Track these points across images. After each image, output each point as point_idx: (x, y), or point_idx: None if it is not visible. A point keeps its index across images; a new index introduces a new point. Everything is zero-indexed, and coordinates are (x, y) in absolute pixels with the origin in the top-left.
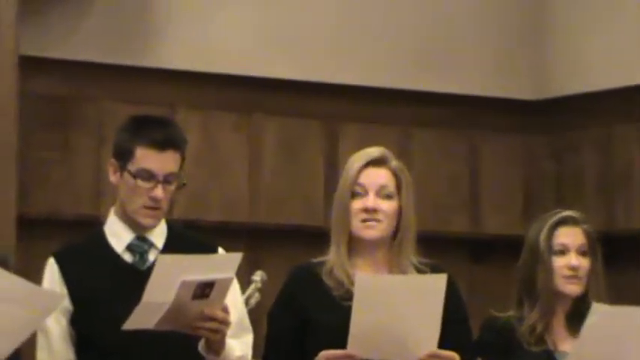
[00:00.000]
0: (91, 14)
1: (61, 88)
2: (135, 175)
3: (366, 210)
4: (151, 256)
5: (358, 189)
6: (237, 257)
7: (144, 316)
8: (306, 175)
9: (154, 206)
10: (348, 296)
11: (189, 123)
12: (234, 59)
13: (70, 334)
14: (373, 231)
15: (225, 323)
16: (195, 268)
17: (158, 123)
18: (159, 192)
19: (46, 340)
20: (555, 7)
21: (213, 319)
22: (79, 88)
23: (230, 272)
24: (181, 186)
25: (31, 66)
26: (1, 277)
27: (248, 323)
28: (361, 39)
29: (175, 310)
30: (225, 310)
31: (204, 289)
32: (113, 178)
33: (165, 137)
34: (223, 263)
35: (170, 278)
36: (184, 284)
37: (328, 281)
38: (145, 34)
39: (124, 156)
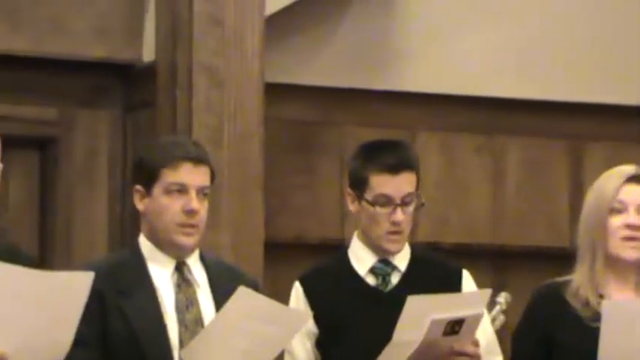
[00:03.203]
0: (334, 40)
1: (304, 114)
2: (373, 203)
3: (627, 226)
4: (394, 279)
5: (617, 205)
6: (486, 294)
7: (394, 354)
8: (550, 195)
9: (396, 230)
10: (596, 317)
11: (430, 146)
12: (475, 80)
13: (315, 356)
14: (638, 252)
15: (476, 357)
16: (445, 306)
17: (388, 146)
18: (399, 215)
19: None
20: None
21: (463, 354)
22: (322, 112)
23: (479, 308)
24: (420, 206)
25: (275, 92)
26: (254, 299)
27: (497, 347)
28: (607, 56)
29: (425, 347)
30: (476, 343)
31: (454, 326)
32: (352, 207)
33: (397, 160)
34: (472, 300)
35: (420, 318)
36: (434, 323)
37: (573, 302)
38: (386, 58)
39: (359, 185)
